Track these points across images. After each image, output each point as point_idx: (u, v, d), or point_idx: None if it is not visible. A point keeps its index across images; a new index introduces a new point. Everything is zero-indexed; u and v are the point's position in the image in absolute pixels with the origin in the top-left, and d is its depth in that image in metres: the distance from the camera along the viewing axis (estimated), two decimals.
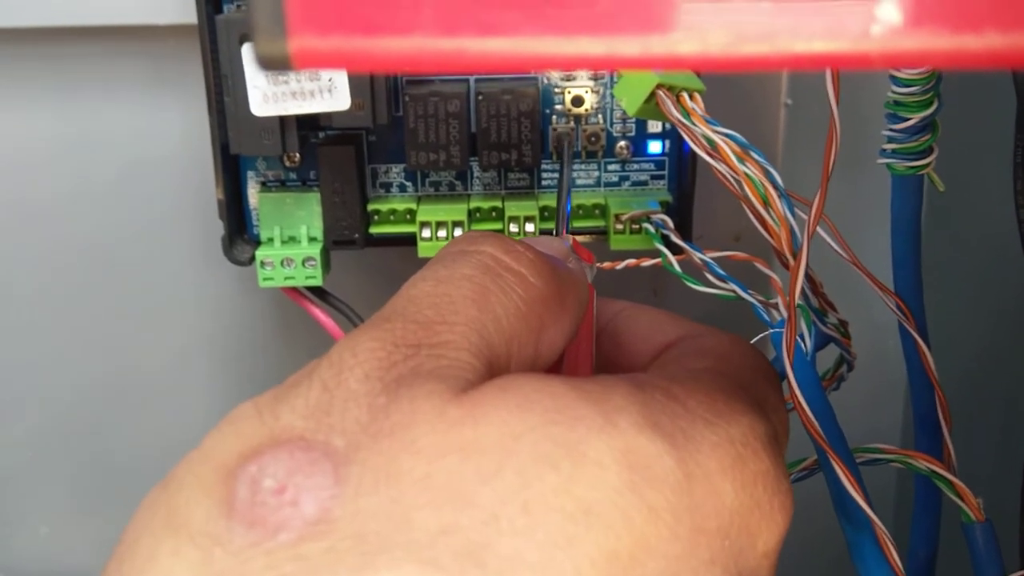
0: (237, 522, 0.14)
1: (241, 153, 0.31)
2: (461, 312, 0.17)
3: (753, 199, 0.26)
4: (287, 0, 0.09)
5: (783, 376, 0.22)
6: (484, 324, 0.17)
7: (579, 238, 0.33)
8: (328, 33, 0.09)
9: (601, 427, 0.15)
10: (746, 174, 0.26)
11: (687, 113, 0.27)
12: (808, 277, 0.25)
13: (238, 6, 0.31)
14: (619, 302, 0.25)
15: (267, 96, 0.29)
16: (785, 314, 0.26)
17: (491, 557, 0.14)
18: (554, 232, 0.31)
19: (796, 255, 0.25)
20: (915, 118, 0.22)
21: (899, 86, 0.22)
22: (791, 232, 0.25)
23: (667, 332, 0.22)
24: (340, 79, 0.29)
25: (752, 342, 0.27)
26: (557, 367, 0.20)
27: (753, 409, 0.17)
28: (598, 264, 0.26)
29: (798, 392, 0.20)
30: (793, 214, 0.25)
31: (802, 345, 0.25)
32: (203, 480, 0.15)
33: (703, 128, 0.27)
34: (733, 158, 0.26)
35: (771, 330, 0.26)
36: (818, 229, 0.27)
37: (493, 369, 0.17)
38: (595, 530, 0.14)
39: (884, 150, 0.23)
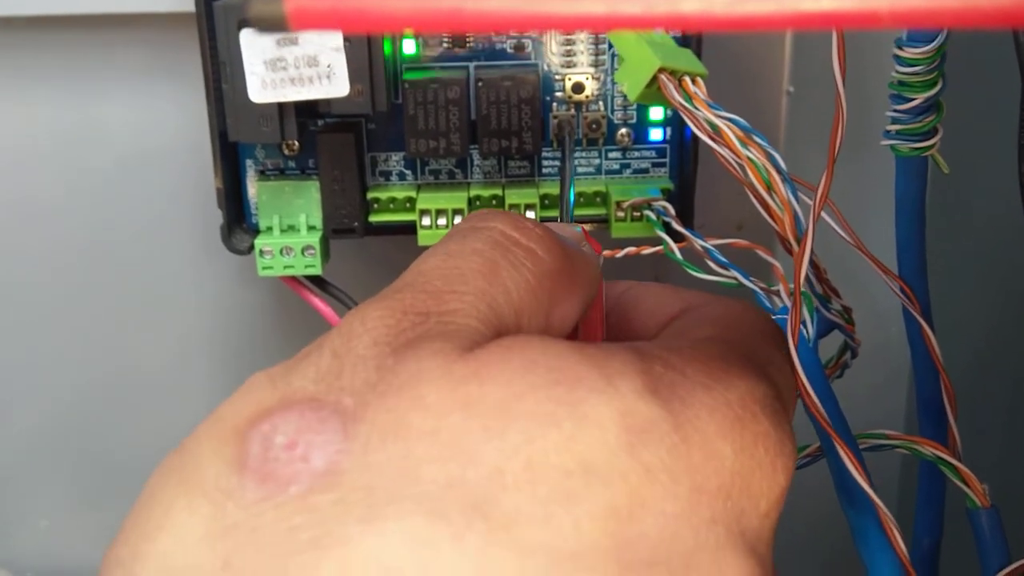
0: (249, 478, 0.14)
1: (240, 140, 0.30)
2: (470, 283, 0.17)
3: (756, 183, 0.26)
4: None
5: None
6: (493, 296, 0.17)
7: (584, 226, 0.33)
8: None
9: (602, 389, 0.15)
10: (749, 158, 0.25)
11: (689, 97, 0.27)
12: (812, 263, 0.25)
13: None
14: (625, 282, 0.25)
15: (265, 83, 0.29)
16: (788, 301, 0.26)
17: (495, 510, 0.14)
18: (559, 220, 0.31)
19: (800, 240, 0.25)
20: (919, 98, 0.21)
21: (903, 66, 0.21)
22: (795, 216, 0.25)
23: (672, 304, 0.22)
24: (339, 65, 0.29)
25: None
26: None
27: (752, 372, 0.18)
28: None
29: (803, 377, 0.20)
30: (797, 198, 0.25)
31: (804, 331, 0.24)
32: (216, 441, 0.15)
33: (705, 112, 0.27)
34: (736, 142, 0.26)
35: (774, 316, 0.25)
36: (822, 214, 0.27)
37: (501, 337, 0.17)
38: (594, 487, 0.14)
39: (888, 131, 0.23)
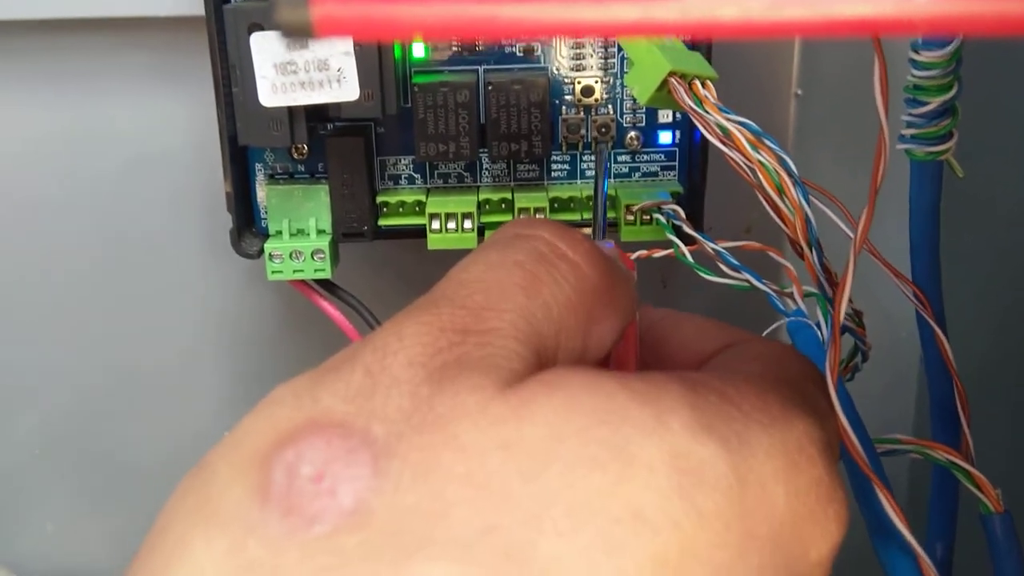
0: (271, 511, 0.13)
1: (250, 144, 0.30)
2: (510, 299, 0.16)
3: (767, 187, 0.25)
4: None
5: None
6: (533, 312, 0.16)
7: (585, 230, 0.33)
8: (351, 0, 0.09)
9: (652, 429, 0.14)
10: (760, 162, 0.25)
11: (700, 101, 0.27)
12: (824, 268, 0.25)
13: None
14: (661, 309, 0.24)
15: (276, 87, 0.29)
16: (801, 303, 0.26)
17: (532, 559, 0.13)
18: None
19: (813, 248, 0.25)
20: (935, 102, 0.21)
21: (919, 70, 0.21)
22: (806, 220, 0.25)
23: (714, 339, 0.21)
24: (349, 69, 0.29)
25: (765, 333, 0.27)
26: (603, 368, 0.20)
27: (808, 414, 0.17)
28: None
29: (843, 419, 0.20)
30: (808, 202, 0.25)
31: (819, 335, 0.24)
32: (237, 465, 0.14)
33: (716, 116, 0.27)
34: (747, 146, 0.26)
35: (787, 319, 0.25)
36: (832, 215, 0.27)
37: (541, 358, 0.16)
38: (642, 535, 0.14)
39: (903, 136, 0.23)
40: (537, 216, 0.32)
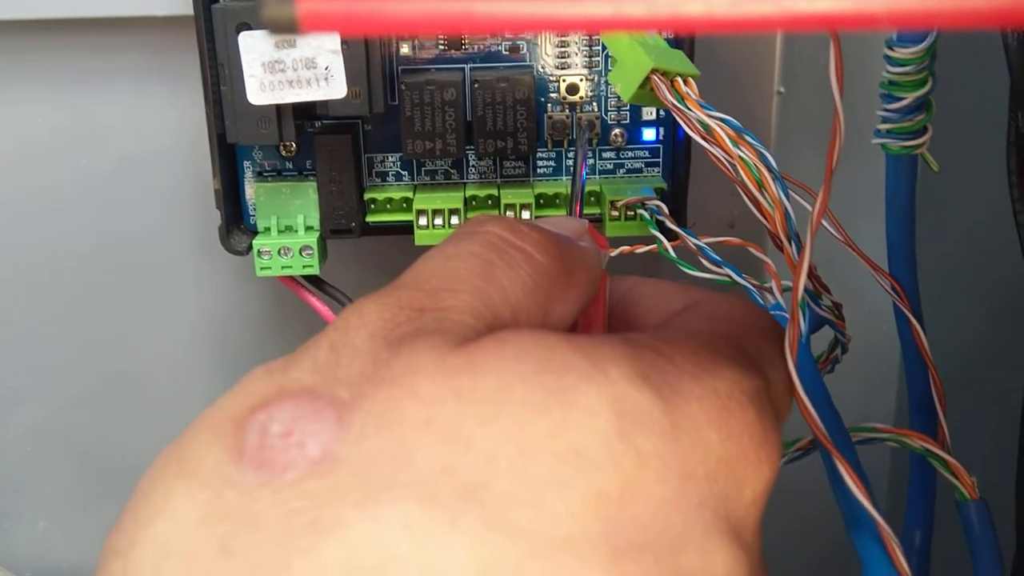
0: (246, 464, 0.15)
1: (238, 142, 0.31)
2: (466, 282, 0.17)
3: (748, 182, 0.26)
4: None
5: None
6: (489, 295, 0.17)
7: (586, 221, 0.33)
8: None
9: (591, 376, 0.16)
10: (740, 157, 0.26)
11: (681, 98, 0.28)
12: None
13: None
14: (631, 277, 0.25)
15: (264, 85, 0.29)
16: (781, 297, 0.26)
17: (488, 495, 0.14)
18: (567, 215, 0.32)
19: (793, 242, 0.25)
20: (909, 98, 0.22)
21: (893, 65, 0.22)
22: (785, 214, 0.26)
23: (676, 300, 0.22)
24: (337, 67, 0.29)
25: None
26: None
27: (741, 364, 0.18)
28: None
29: (798, 382, 0.20)
30: (788, 196, 0.26)
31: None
32: (213, 430, 0.15)
33: (698, 112, 0.27)
34: (728, 142, 0.26)
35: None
36: (811, 209, 0.27)
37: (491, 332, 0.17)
38: (585, 472, 0.15)
39: (879, 130, 0.23)
40: (507, 214, 0.32)
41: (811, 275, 0.27)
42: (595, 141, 0.33)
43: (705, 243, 0.29)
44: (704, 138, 0.26)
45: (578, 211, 0.31)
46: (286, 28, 0.09)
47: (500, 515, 0.14)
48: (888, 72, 0.22)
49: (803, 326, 0.24)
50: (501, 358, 0.16)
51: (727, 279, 0.28)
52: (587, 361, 0.16)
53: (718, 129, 0.26)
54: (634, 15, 0.09)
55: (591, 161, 0.34)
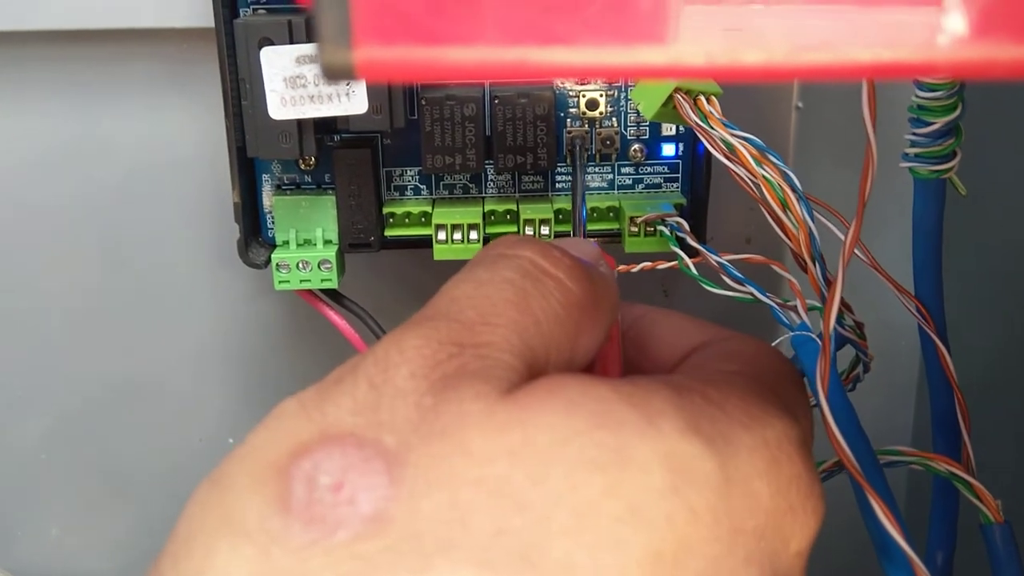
0: (294, 519, 0.14)
1: (259, 156, 0.31)
2: (502, 314, 0.17)
3: (771, 202, 0.26)
4: (353, 11, 0.09)
5: (814, 396, 0.22)
6: (525, 327, 0.17)
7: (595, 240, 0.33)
8: (393, 43, 0.09)
9: (644, 431, 0.15)
10: (764, 177, 0.26)
11: (704, 116, 0.27)
12: (826, 280, 0.25)
13: (254, 10, 0.31)
14: (640, 306, 0.25)
15: (285, 100, 0.29)
16: (805, 316, 0.26)
17: (543, 558, 0.14)
18: (571, 235, 0.31)
19: (817, 262, 0.25)
20: (939, 122, 0.22)
21: (923, 90, 0.22)
22: (810, 235, 0.26)
23: (692, 336, 0.22)
24: (358, 83, 0.29)
25: (774, 344, 0.27)
26: (588, 370, 0.20)
27: (786, 413, 0.18)
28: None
29: (829, 416, 0.20)
30: (812, 217, 0.26)
31: (820, 343, 0.25)
32: (255, 477, 0.15)
33: (721, 131, 0.27)
34: (751, 161, 0.26)
35: (791, 333, 0.26)
36: (835, 229, 0.27)
37: (532, 370, 0.17)
38: (640, 532, 0.14)
39: (907, 154, 0.23)
40: (526, 229, 0.32)
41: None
42: (614, 156, 0.33)
43: (726, 260, 0.29)
44: (727, 157, 0.26)
45: (582, 232, 0.31)
46: (343, 75, 0.09)
47: None
48: (918, 96, 0.22)
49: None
50: (551, 411, 0.15)
51: (750, 297, 0.28)
52: (638, 414, 0.15)
53: (741, 148, 0.26)
54: (693, 64, 0.09)
55: (610, 176, 0.34)
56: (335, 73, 0.09)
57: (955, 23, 0.09)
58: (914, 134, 0.23)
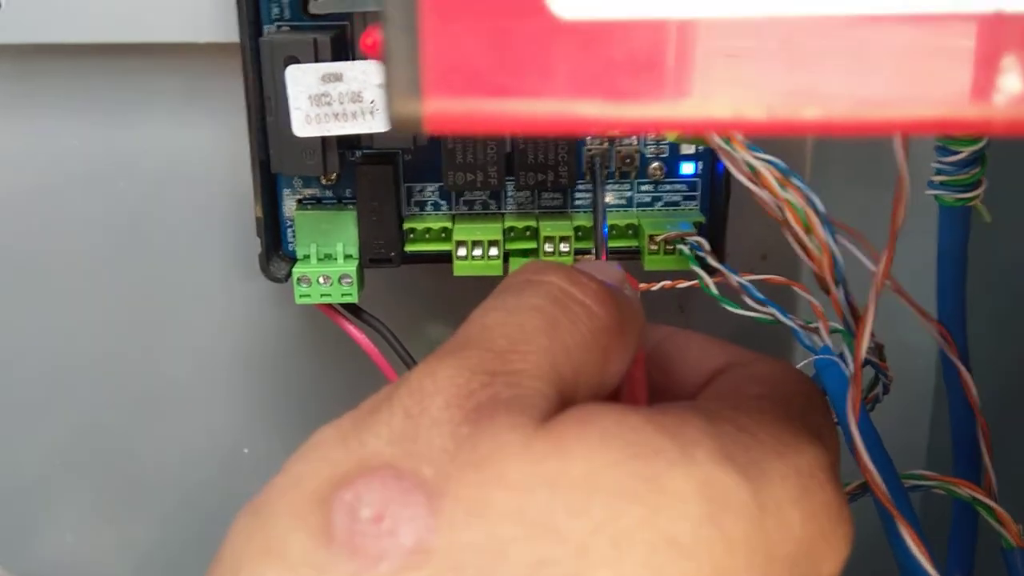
0: (337, 551, 0.14)
1: (282, 172, 0.31)
2: (532, 341, 0.17)
3: (794, 225, 0.26)
4: (424, 65, 0.09)
5: (841, 423, 0.22)
6: (555, 354, 0.17)
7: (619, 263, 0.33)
8: (461, 96, 0.09)
9: (679, 460, 0.15)
10: (788, 200, 0.26)
11: (728, 139, 0.28)
12: (848, 303, 0.26)
13: (279, 27, 0.31)
14: (663, 327, 0.25)
15: (310, 117, 0.29)
16: (828, 339, 0.26)
17: None
18: (593, 255, 0.32)
19: (840, 285, 0.25)
20: (965, 152, 0.22)
21: None
22: (832, 258, 0.26)
23: (716, 358, 0.22)
24: (382, 101, 0.29)
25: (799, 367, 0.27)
26: (615, 393, 0.21)
27: (815, 440, 0.18)
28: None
29: (861, 445, 0.20)
30: (835, 240, 0.26)
31: (846, 370, 0.25)
32: (297, 508, 0.15)
33: (744, 154, 0.27)
34: (775, 184, 0.26)
35: (815, 356, 0.26)
36: (855, 251, 0.27)
37: (563, 396, 0.17)
38: (679, 562, 0.15)
39: (932, 182, 0.23)
40: (546, 246, 0.33)
41: (857, 317, 0.27)
42: (633, 174, 0.33)
43: (747, 280, 0.29)
44: (751, 180, 0.26)
45: (604, 250, 0.31)
46: (411, 126, 0.09)
47: None
48: None
49: (850, 366, 0.24)
50: (587, 442, 0.15)
51: (770, 318, 0.28)
52: (673, 443, 0.16)
53: (765, 172, 0.26)
54: (755, 119, 0.09)
55: (629, 194, 0.34)
56: (403, 124, 0.09)
57: (1012, 83, 0.09)
58: (939, 162, 0.23)
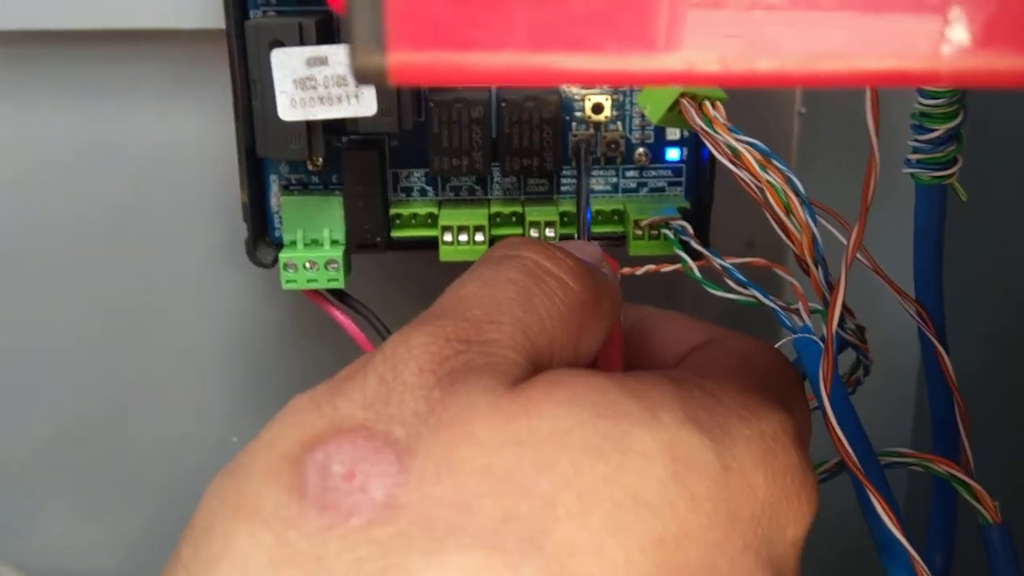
0: (309, 506, 0.15)
1: (268, 156, 0.31)
2: (507, 313, 0.18)
3: (775, 206, 0.26)
4: (387, 17, 0.09)
5: (816, 397, 0.22)
6: (529, 325, 0.18)
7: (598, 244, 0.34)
8: (424, 49, 0.09)
9: (645, 421, 0.16)
10: (768, 182, 0.26)
11: (710, 121, 0.28)
12: (828, 283, 0.26)
13: (264, 12, 0.31)
14: (643, 307, 0.25)
15: (295, 101, 0.29)
16: (808, 319, 0.26)
17: (549, 542, 0.14)
18: (575, 238, 0.32)
19: (819, 266, 0.25)
20: (941, 129, 0.22)
21: (925, 98, 0.22)
22: (812, 239, 0.26)
23: (693, 336, 0.23)
24: (368, 86, 0.29)
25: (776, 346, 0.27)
26: (591, 368, 0.21)
27: (781, 407, 0.18)
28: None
29: (832, 416, 0.20)
30: (815, 221, 0.26)
31: (822, 346, 0.25)
32: (270, 467, 0.15)
33: (726, 136, 0.27)
34: (756, 166, 0.26)
35: (794, 336, 0.26)
36: (837, 234, 0.27)
37: (537, 368, 0.18)
38: (643, 518, 0.15)
39: (909, 160, 0.24)
40: (531, 232, 0.33)
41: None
42: (618, 160, 0.34)
43: (730, 264, 0.29)
44: (732, 162, 0.27)
45: (586, 235, 0.32)
46: (375, 78, 0.10)
47: (560, 562, 0.14)
48: (920, 104, 0.23)
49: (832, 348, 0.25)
50: (556, 402, 0.16)
51: (752, 300, 0.28)
52: (639, 405, 0.16)
53: (746, 153, 0.26)
54: (708, 71, 0.09)
55: (614, 180, 0.34)
56: (367, 76, 0.10)
57: (959, 34, 0.09)
58: (916, 140, 0.23)
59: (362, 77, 0.10)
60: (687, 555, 0.15)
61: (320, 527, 0.14)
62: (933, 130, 0.22)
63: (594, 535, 0.15)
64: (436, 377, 0.16)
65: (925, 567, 0.21)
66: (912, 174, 0.24)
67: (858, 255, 0.27)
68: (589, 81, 0.09)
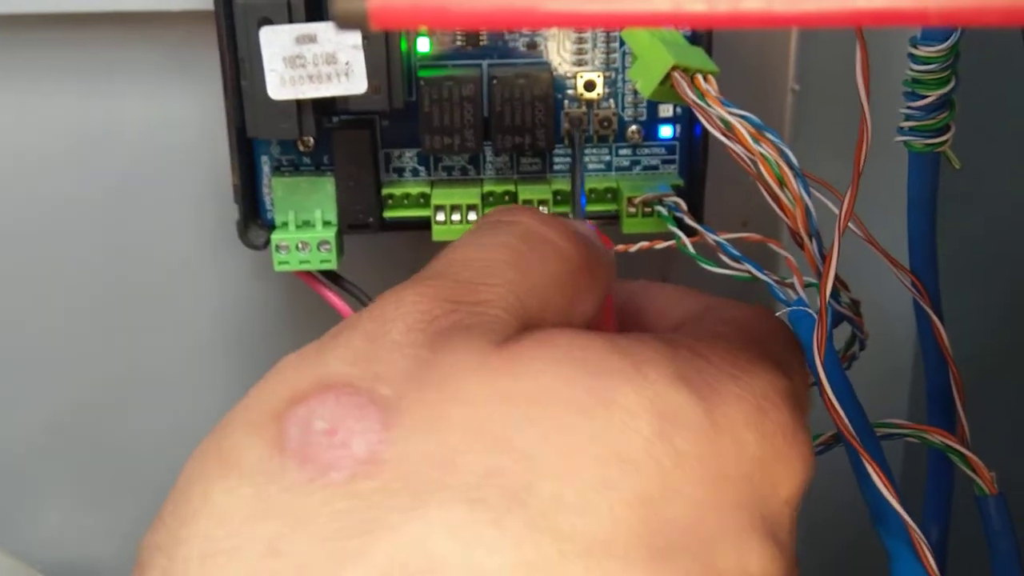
0: (289, 460, 0.15)
1: (258, 136, 0.31)
2: (499, 275, 0.18)
3: (768, 179, 0.26)
4: None
5: (813, 372, 0.22)
6: (521, 288, 0.18)
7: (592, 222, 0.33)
8: None
9: (631, 378, 0.16)
10: (761, 154, 0.26)
11: (702, 94, 0.28)
12: (822, 256, 0.26)
13: None
14: (636, 281, 0.25)
15: (284, 80, 0.29)
16: (802, 293, 0.26)
17: (533, 497, 0.14)
18: (570, 216, 0.32)
19: (813, 239, 0.25)
20: (933, 96, 0.22)
21: (917, 64, 0.22)
22: (806, 211, 0.26)
23: (688, 306, 0.23)
24: (357, 63, 0.29)
25: None
26: None
27: (773, 366, 0.18)
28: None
29: (826, 382, 0.20)
30: (809, 193, 0.26)
31: (816, 319, 0.25)
32: (253, 423, 0.15)
33: (718, 109, 0.27)
34: (748, 138, 0.26)
35: (788, 308, 0.26)
36: (831, 206, 0.27)
37: (528, 330, 0.17)
38: (628, 474, 0.15)
39: (902, 128, 0.23)
40: (522, 204, 0.33)
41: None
42: (611, 138, 0.33)
43: (724, 239, 0.29)
44: (724, 135, 0.27)
45: (581, 214, 0.32)
46: (356, 23, 0.09)
47: (544, 517, 0.14)
48: (912, 70, 0.22)
49: (827, 323, 0.25)
50: (542, 359, 0.16)
51: (747, 275, 0.28)
52: (627, 362, 0.16)
53: (739, 126, 0.26)
54: (695, 11, 0.09)
55: (607, 158, 0.34)
56: (348, 21, 0.09)
57: None
58: (908, 107, 0.23)
59: (343, 21, 0.10)
60: (673, 511, 0.15)
61: (300, 480, 0.14)
62: (925, 96, 0.22)
63: (578, 491, 0.14)
64: (425, 336, 0.16)
65: (922, 538, 0.21)
66: (905, 142, 0.24)
67: (852, 226, 0.27)
68: (574, 23, 0.09)
